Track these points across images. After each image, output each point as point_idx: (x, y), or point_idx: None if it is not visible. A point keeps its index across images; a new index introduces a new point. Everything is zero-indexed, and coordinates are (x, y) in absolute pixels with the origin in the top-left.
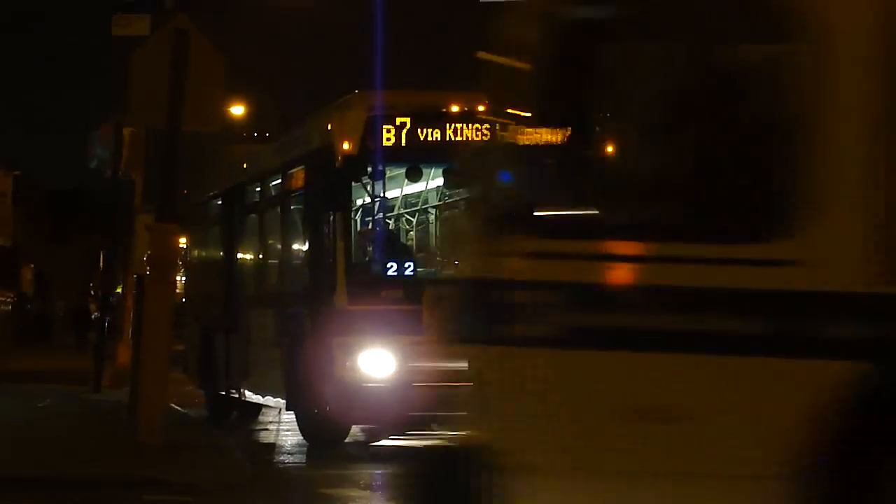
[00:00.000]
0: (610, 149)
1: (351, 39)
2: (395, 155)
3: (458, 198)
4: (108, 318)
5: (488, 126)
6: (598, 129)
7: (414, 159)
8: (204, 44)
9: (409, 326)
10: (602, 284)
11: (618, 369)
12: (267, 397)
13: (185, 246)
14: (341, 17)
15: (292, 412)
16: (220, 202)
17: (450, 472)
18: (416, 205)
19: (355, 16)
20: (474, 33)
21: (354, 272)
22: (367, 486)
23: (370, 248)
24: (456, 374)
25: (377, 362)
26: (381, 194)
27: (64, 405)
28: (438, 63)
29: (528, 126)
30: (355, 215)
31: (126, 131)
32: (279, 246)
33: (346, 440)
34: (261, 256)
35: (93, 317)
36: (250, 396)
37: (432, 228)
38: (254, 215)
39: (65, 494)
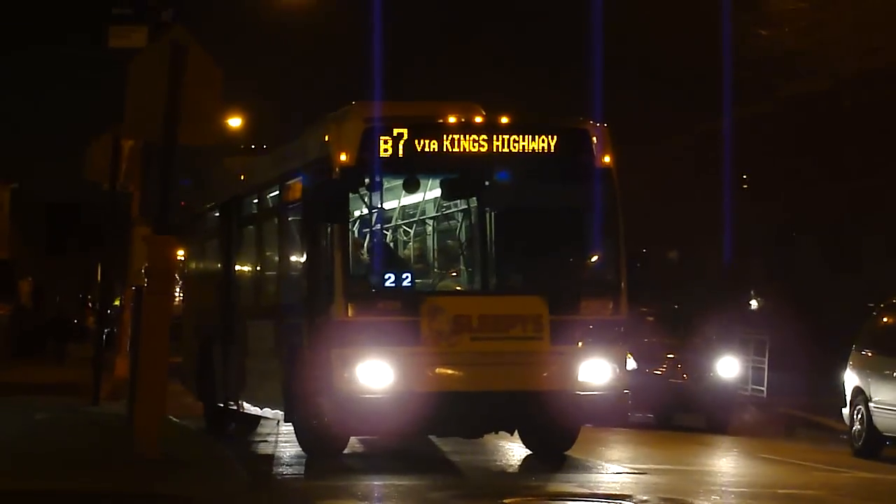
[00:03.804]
0: None
1: (350, 51)
2: (392, 166)
3: (455, 209)
4: (106, 330)
5: (485, 136)
6: None
7: (411, 170)
8: (201, 56)
9: (407, 337)
10: None
11: None
12: (265, 409)
13: (182, 258)
14: (340, 28)
15: (290, 424)
16: (217, 214)
17: None
18: (413, 216)
19: (354, 27)
20: (471, 43)
21: (352, 283)
22: (366, 498)
23: (368, 260)
24: None
25: (375, 373)
26: (379, 205)
27: (62, 418)
28: (434, 73)
29: None
30: (352, 227)
31: (125, 144)
32: (277, 258)
33: (345, 451)
34: (259, 268)
35: (74, 327)
36: (248, 408)
37: (429, 240)
38: (251, 227)
39: None
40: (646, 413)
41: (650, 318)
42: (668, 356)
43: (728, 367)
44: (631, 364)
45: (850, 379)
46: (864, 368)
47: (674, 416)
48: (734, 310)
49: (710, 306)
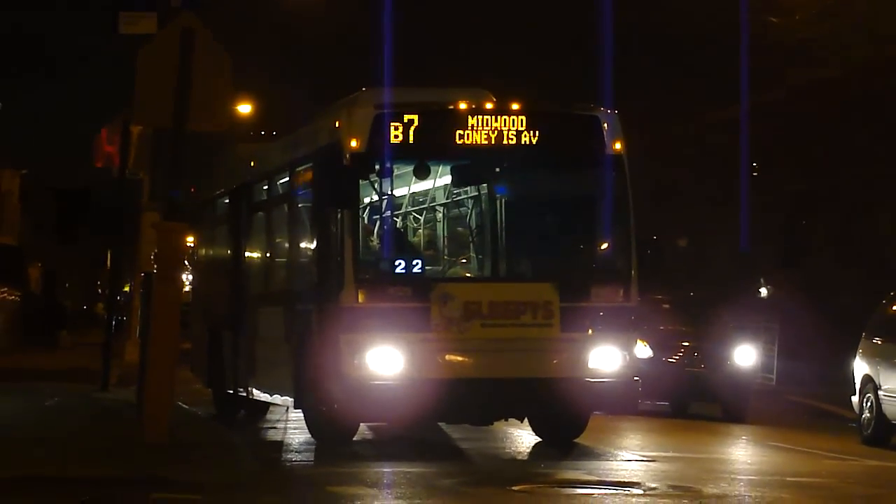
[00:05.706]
0: None
1: (360, 37)
2: (402, 152)
3: (465, 195)
4: (115, 317)
5: (495, 122)
6: None
7: (421, 157)
8: (210, 42)
9: (417, 323)
10: None
11: None
12: (275, 395)
13: (192, 244)
14: (351, 14)
15: (300, 410)
16: (227, 200)
17: None
18: (423, 202)
19: (365, 13)
20: (480, 31)
21: (362, 270)
22: (375, 484)
23: (377, 246)
24: None
25: (385, 360)
26: (389, 192)
27: (72, 404)
28: (445, 59)
29: None
30: (363, 213)
31: (134, 130)
32: (287, 244)
33: (355, 438)
34: (268, 254)
35: (71, 313)
36: (258, 395)
37: (440, 226)
38: (261, 213)
39: (73, 493)
40: (661, 401)
41: (666, 306)
42: (684, 344)
43: (745, 355)
44: (647, 352)
45: (860, 367)
46: (873, 356)
47: (690, 404)
48: (745, 297)
49: (721, 294)
